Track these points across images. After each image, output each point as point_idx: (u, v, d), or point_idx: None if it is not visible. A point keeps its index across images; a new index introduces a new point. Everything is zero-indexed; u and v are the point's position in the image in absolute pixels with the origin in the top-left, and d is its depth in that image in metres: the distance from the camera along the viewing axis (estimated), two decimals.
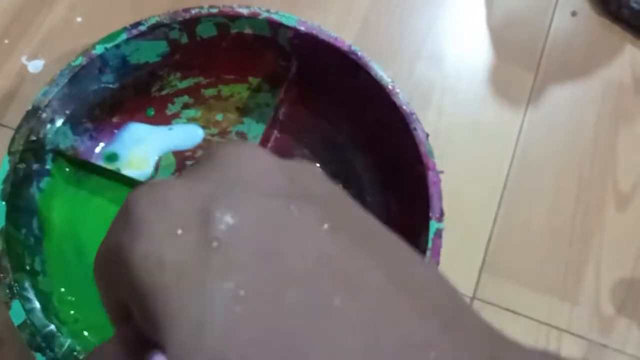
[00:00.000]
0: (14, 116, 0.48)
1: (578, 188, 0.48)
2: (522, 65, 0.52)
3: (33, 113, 0.40)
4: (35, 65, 0.49)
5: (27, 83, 0.49)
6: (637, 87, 0.52)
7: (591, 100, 0.51)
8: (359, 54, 0.43)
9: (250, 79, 0.48)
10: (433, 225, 0.39)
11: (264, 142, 0.45)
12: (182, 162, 0.46)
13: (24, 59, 0.49)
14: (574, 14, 0.54)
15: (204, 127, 0.47)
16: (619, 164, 0.49)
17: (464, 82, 0.51)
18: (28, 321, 0.37)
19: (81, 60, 0.41)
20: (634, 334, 0.44)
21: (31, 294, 0.39)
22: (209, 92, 0.48)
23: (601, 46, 0.53)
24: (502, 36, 0.53)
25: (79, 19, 0.51)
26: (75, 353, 0.39)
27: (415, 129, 0.41)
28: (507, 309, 0.45)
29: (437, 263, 0.39)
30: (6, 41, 0.50)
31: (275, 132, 0.47)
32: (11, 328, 0.43)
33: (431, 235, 0.39)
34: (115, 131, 0.46)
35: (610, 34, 0.53)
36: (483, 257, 0.46)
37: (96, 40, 0.42)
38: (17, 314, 0.37)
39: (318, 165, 0.46)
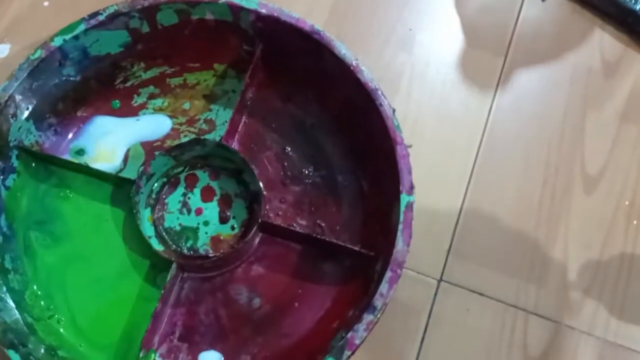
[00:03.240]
0: None
1: (546, 171, 0.49)
2: (492, 50, 0.52)
3: None
4: (1, 50, 0.48)
5: None
6: (605, 71, 0.52)
7: (560, 84, 0.51)
8: (322, 33, 0.43)
9: (216, 65, 0.48)
10: (404, 198, 0.39)
11: (232, 128, 0.45)
12: (151, 152, 0.46)
13: None
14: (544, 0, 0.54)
15: (171, 117, 0.47)
16: (586, 147, 0.49)
17: (433, 68, 0.51)
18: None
19: (40, 53, 0.41)
20: (601, 316, 0.45)
21: (2, 292, 0.38)
22: (175, 81, 0.47)
23: (571, 31, 0.53)
24: (472, 22, 0.53)
25: (45, 3, 0.50)
26: (52, 350, 0.38)
27: (381, 104, 0.41)
28: (474, 291, 0.45)
29: (410, 236, 0.39)
30: None
31: (244, 117, 0.47)
32: None
33: (402, 209, 0.39)
34: (81, 125, 0.46)
35: (580, 19, 0.54)
36: (451, 240, 0.46)
37: (63, 24, 0.41)
38: None
39: (289, 148, 0.46)
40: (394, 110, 0.41)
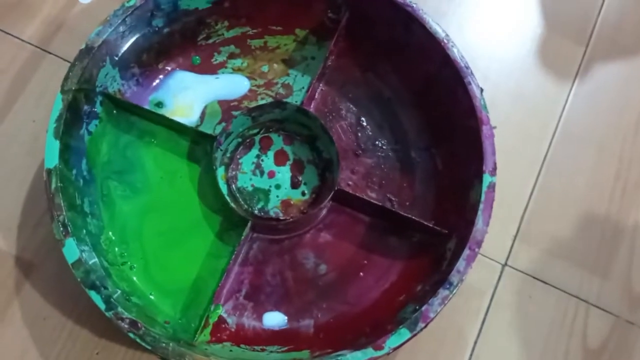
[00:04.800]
0: (60, 44, 0.48)
1: (618, 165, 0.48)
2: (573, 39, 0.52)
3: (86, 52, 0.40)
4: None
5: (75, 13, 0.48)
6: None
7: (639, 79, 0.51)
8: (414, 6, 0.42)
9: (297, 30, 0.47)
10: (486, 178, 0.39)
11: (311, 95, 0.45)
12: (228, 111, 0.46)
13: None
14: None
15: (249, 78, 0.47)
16: None
17: (512, 51, 0.51)
18: (82, 259, 0.36)
19: (135, 1, 0.41)
20: None
21: (83, 234, 0.39)
22: (256, 42, 0.47)
23: None
24: (554, 8, 0.53)
25: None
26: (126, 295, 0.39)
27: (469, 82, 0.41)
28: (537, 279, 0.45)
29: (489, 216, 0.39)
30: None
31: (321, 85, 0.47)
32: (42, 253, 0.43)
33: (484, 189, 0.39)
34: (162, 78, 0.46)
35: None
36: (518, 225, 0.46)
37: None
38: (70, 252, 0.37)
39: (364, 119, 0.46)
40: (481, 90, 0.41)
